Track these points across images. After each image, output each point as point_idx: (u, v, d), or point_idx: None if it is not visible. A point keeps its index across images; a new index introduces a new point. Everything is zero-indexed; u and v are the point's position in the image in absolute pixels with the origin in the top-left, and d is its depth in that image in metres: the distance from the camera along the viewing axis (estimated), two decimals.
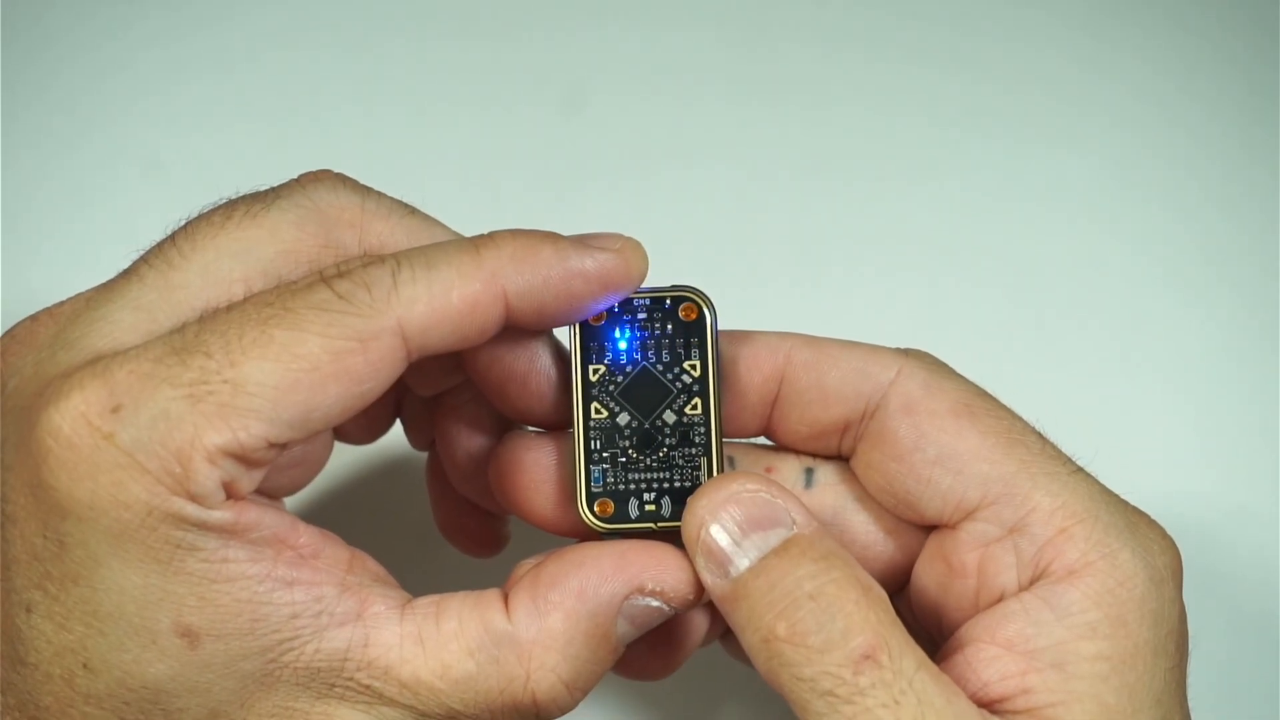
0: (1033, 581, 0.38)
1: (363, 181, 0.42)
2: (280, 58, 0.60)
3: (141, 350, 0.36)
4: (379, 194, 0.41)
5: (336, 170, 0.42)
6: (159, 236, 0.40)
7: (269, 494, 0.42)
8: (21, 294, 0.57)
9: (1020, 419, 0.40)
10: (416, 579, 0.43)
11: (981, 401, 0.40)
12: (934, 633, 0.41)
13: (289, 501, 0.45)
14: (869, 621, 0.36)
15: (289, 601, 0.37)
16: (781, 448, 0.43)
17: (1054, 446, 0.40)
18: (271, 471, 0.42)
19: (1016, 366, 0.58)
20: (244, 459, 0.36)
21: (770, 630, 0.37)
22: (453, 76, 0.61)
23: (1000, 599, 0.39)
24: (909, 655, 0.36)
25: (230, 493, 0.36)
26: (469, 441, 0.45)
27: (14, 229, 0.58)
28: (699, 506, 0.39)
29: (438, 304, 0.37)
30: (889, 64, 0.61)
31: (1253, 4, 0.61)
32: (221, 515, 0.36)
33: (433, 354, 0.38)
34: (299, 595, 0.37)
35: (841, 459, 0.42)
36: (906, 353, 0.41)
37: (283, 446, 0.36)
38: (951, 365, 0.42)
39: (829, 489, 0.42)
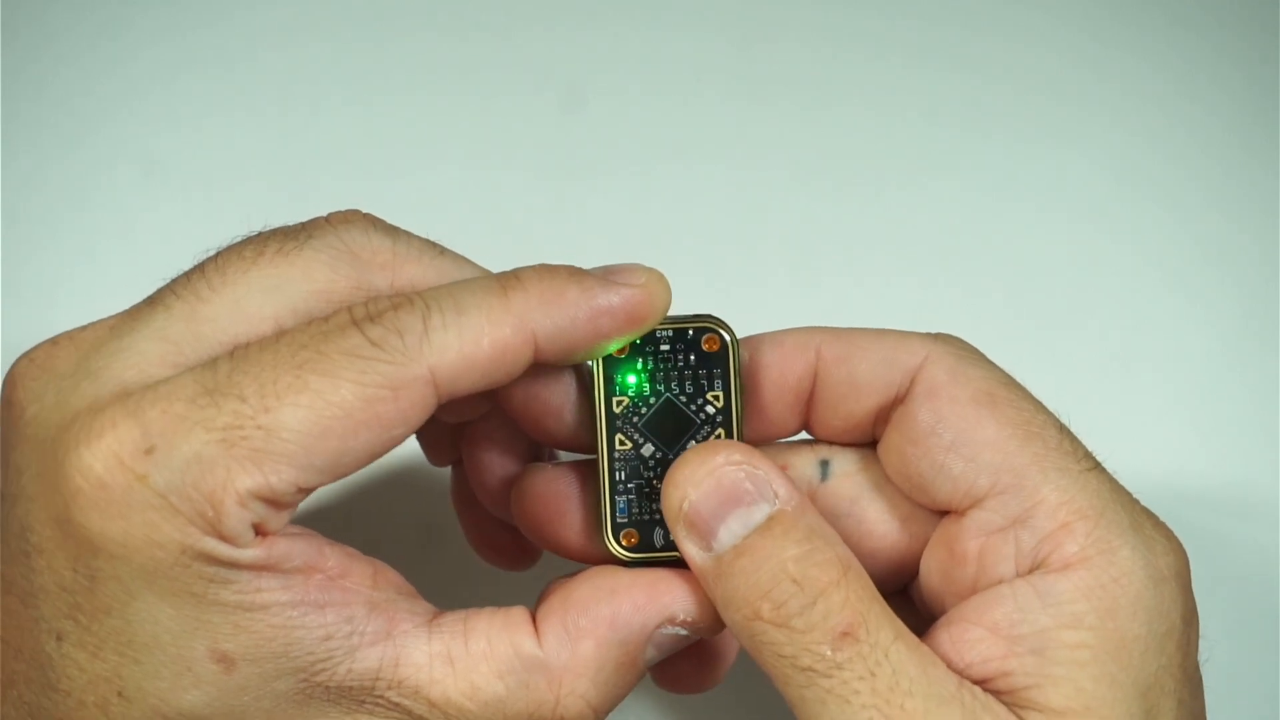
0: (1029, 573, 0.38)
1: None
2: (280, 56, 0.60)
3: (173, 388, 0.36)
4: (409, 235, 0.41)
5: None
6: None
7: None
8: (22, 294, 0.57)
9: (1044, 412, 0.40)
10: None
11: (1005, 391, 0.40)
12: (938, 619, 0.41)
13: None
14: (849, 600, 0.37)
15: (321, 624, 0.37)
16: (796, 442, 0.43)
17: (1073, 442, 0.40)
18: None
19: (1015, 366, 0.58)
20: (274, 502, 0.36)
21: (754, 610, 0.37)
22: (452, 74, 0.61)
23: (998, 570, 0.39)
24: (886, 628, 0.37)
25: (260, 532, 0.36)
26: (501, 467, 0.45)
27: (14, 228, 0.58)
28: (680, 477, 0.39)
29: (468, 351, 0.37)
30: (889, 63, 0.61)
31: (1253, 4, 0.61)
32: (252, 554, 0.36)
33: (461, 395, 0.38)
34: (330, 617, 0.37)
35: (867, 445, 0.43)
36: (936, 338, 0.41)
37: (311, 489, 0.37)
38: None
39: (846, 479, 0.42)
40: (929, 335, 0.41)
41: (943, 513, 0.41)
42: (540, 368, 0.41)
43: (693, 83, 0.61)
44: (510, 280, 0.39)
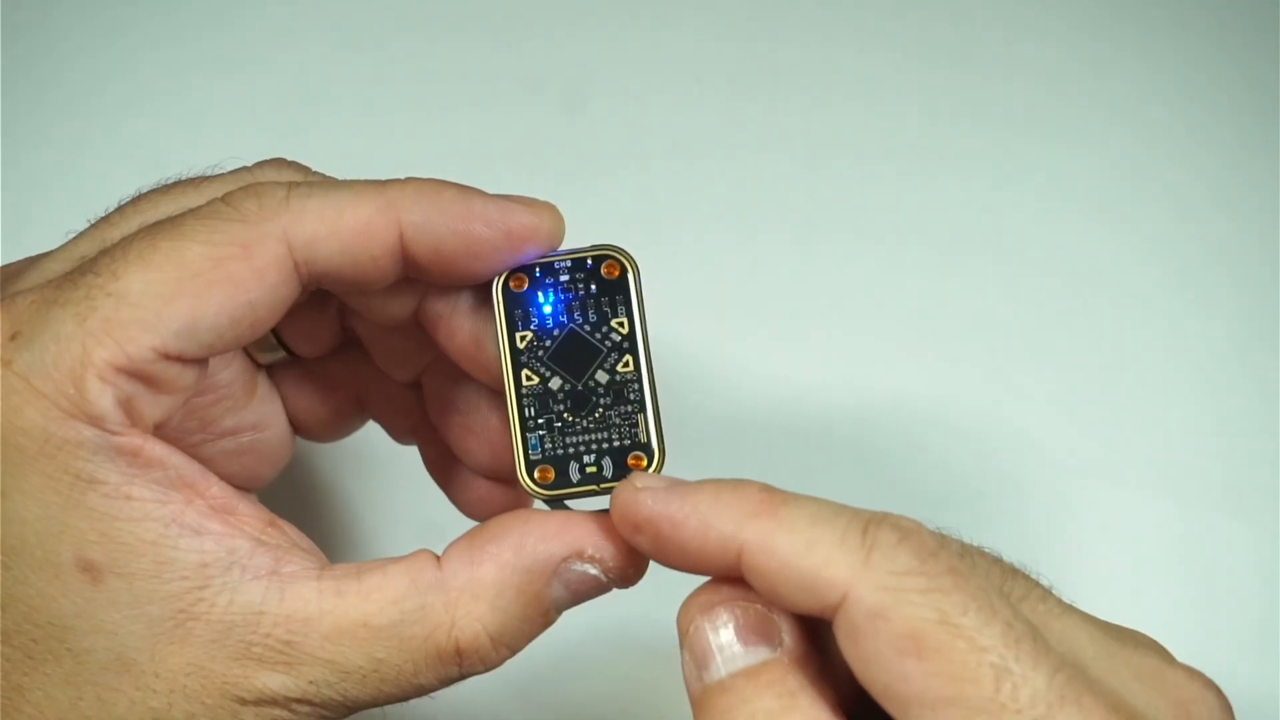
0: None
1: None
2: (281, 59, 0.60)
3: (48, 281, 0.36)
4: (321, 174, 0.41)
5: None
6: None
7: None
8: None
9: (985, 640, 0.34)
10: None
11: (935, 631, 0.34)
12: None
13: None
14: None
15: (197, 549, 0.36)
16: None
17: (1016, 683, 0.34)
18: (219, 456, 0.43)
19: (1015, 364, 0.58)
20: (138, 374, 0.36)
21: None
22: (453, 76, 0.61)
23: None
24: None
25: (133, 417, 0.36)
26: (465, 416, 0.45)
27: (14, 230, 0.58)
28: (696, 601, 0.37)
29: (328, 218, 0.37)
30: (890, 61, 0.61)
31: (1253, 4, 0.61)
32: (121, 440, 0.36)
33: (325, 276, 0.38)
34: (209, 544, 0.36)
35: None
36: (868, 553, 0.35)
37: (180, 360, 0.36)
38: (927, 532, 0.36)
39: None
40: (861, 541, 0.35)
41: None
42: (467, 297, 0.41)
43: (693, 82, 0.61)
44: (393, 179, 0.39)
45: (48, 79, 0.60)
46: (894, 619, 0.34)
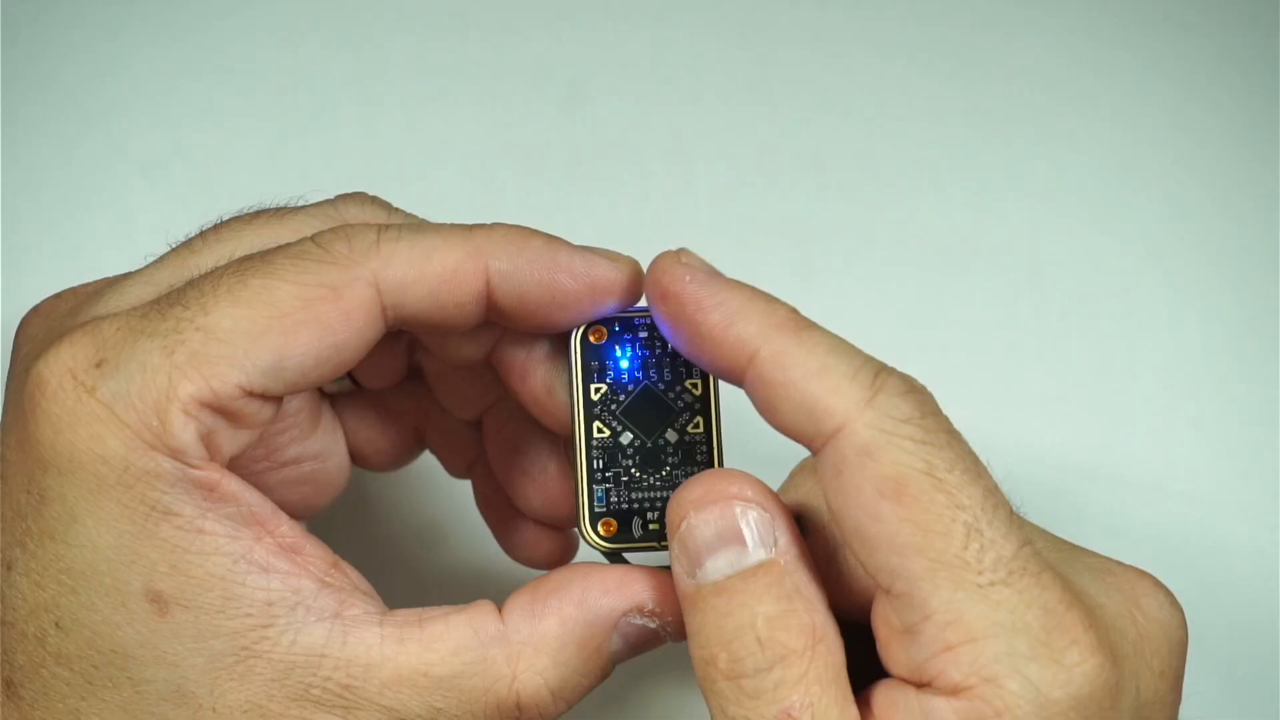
0: (921, 684, 0.35)
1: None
2: (280, 57, 0.60)
3: (133, 308, 0.37)
4: (404, 212, 0.41)
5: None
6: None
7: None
8: (22, 294, 0.57)
9: (965, 499, 0.35)
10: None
11: (918, 480, 0.35)
12: None
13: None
14: (804, 678, 0.35)
15: (264, 587, 0.36)
16: (804, 467, 0.41)
17: (984, 544, 0.35)
18: (280, 486, 0.43)
19: (1016, 365, 0.58)
20: (221, 409, 0.36)
21: (711, 655, 0.36)
22: (453, 75, 0.61)
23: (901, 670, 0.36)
24: (833, 717, 0.35)
25: (211, 451, 0.36)
26: (523, 459, 0.45)
27: (14, 230, 0.58)
28: (688, 497, 0.37)
29: (417, 263, 0.37)
30: (889, 64, 0.61)
31: (1253, 4, 0.61)
32: (200, 474, 0.36)
33: (410, 320, 0.38)
34: (275, 583, 0.36)
35: None
36: (875, 393, 0.35)
37: (262, 398, 0.36)
38: (934, 398, 0.37)
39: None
40: (869, 384, 0.36)
41: None
42: (543, 345, 0.41)
43: (693, 83, 0.61)
44: (480, 225, 0.39)
45: (46, 77, 0.60)
46: (882, 460, 0.35)
